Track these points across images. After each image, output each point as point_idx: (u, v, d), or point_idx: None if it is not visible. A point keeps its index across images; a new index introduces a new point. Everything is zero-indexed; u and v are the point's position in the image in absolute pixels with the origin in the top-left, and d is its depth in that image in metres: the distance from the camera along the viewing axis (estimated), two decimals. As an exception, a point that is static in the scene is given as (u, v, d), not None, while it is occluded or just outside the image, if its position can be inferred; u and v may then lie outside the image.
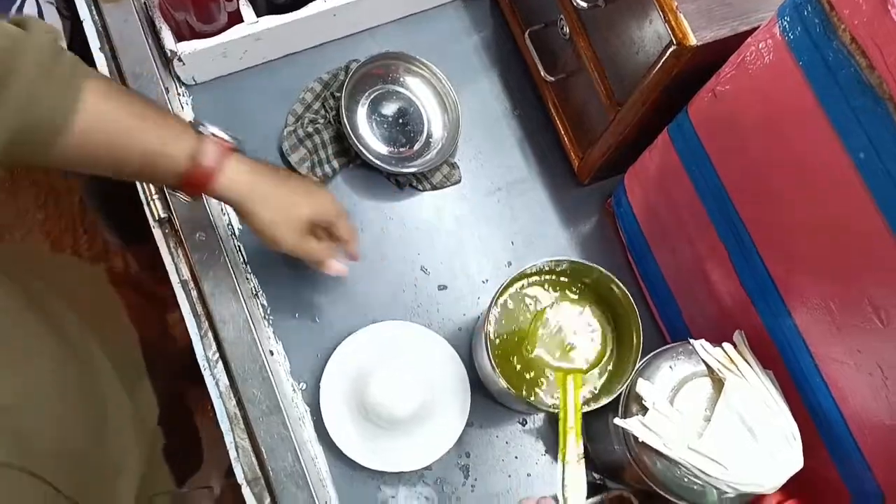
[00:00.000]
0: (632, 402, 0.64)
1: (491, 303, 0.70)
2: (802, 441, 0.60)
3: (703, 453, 0.58)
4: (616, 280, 0.68)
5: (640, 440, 0.61)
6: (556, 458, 0.80)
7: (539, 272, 0.73)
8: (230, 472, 1.20)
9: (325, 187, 0.72)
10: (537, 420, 0.81)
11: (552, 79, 0.79)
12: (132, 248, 1.40)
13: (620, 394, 0.66)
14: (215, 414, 0.74)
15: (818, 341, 0.56)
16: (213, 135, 0.64)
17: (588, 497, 0.74)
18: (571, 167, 0.86)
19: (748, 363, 0.62)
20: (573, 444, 0.69)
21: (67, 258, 1.50)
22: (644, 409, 0.62)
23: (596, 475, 0.80)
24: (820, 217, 0.50)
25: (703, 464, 0.58)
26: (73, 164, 0.58)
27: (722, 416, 0.59)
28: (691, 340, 0.65)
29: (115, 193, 1.17)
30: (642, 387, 0.62)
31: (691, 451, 0.59)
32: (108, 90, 0.57)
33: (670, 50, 0.57)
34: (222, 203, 0.81)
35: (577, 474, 0.69)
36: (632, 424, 0.61)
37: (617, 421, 0.62)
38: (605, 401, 0.66)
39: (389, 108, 0.86)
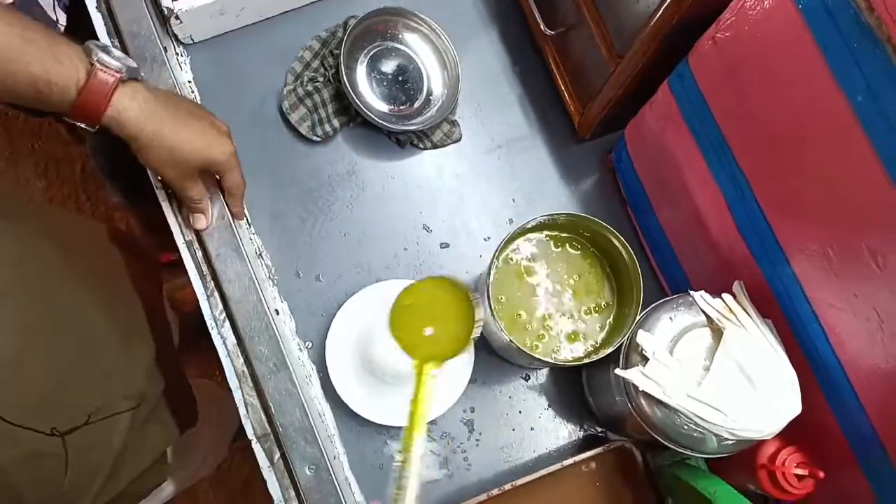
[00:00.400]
0: (632, 353, 0.65)
1: (493, 258, 0.70)
2: (800, 388, 0.61)
3: (702, 401, 0.59)
4: (614, 231, 0.68)
5: (641, 389, 0.62)
6: (558, 413, 0.82)
7: (539, 227, 0.73)
8: (237, 436, 1.23)
9: (229, 133, 0.71)
10: (540, 375, 0.82)
11: (552, 32, 0.78)
12: (136, 209, 1.41)
13: (622, 345, 0.66)
14: (217, 377, 0.75)
15: (816, 288, 0.57)
16: (102, 62, 0.60)
17: (591, 448, 0.76)
18: (572, 123, 0.86)
19: (747, 313, 0.63)
20: (423, 438, 0.59)
21: (71, 214, 1.50)
22: (644, 360, 0.63)
23: (598, 428, 0.82)
24: (818, 163, 0.50)
25: (703, 411, 0.59)
26: None
27: (721, 365, 0.60)
28: (691, 292, 0.65)
29: (122, 150, 1.17)
30: (642, 337, 0.63)
31: (691, 399, 0.60)
32: None
33: (670, -3, 0.56)
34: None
35: (415, 475, 0.57)
36: (632, 374, 0.62)
37: (618, 371, 0.63)
38: (605, 353, 0.67)
39: (389, 66, 0.85)
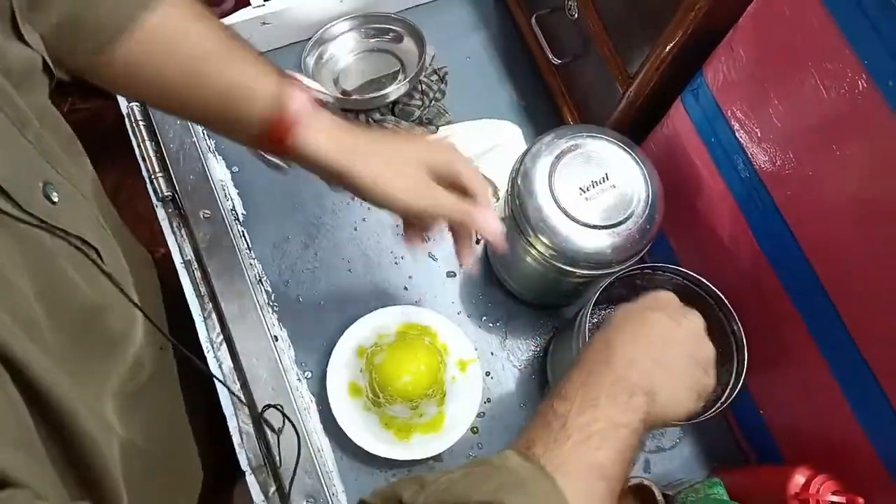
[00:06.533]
0: None
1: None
2: (828, 409, 0.58)
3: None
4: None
5: None
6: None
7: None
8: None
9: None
10: (550, 410, 0.79)
11: (559, 62, 0.79)
12: None
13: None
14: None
15: (845, 299, 0.55)
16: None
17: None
18: (579, 155, 0.85)
19: None
20: None
21: None
22: None
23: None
24: (850, 158, 0.49)
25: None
26: (132, 78, 0.50)
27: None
28: None
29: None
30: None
31: None
32: (192, 5, 0.51)
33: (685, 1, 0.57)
34: (227, 187, 0.80)
35: None
36: None
37: None
38: None
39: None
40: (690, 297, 0.65)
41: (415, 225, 0.59)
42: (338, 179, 0.54)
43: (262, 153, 0.59)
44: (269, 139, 0.53)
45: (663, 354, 0.48)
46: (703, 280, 0.64)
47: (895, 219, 0.48)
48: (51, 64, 0.43)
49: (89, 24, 0.48)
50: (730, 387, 0.63)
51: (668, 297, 0.53)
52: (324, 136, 0.52)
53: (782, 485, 0.63)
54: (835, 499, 0.59)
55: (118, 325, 0.46)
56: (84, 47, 0.49)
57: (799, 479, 0.62)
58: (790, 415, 0.68)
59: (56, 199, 0.38)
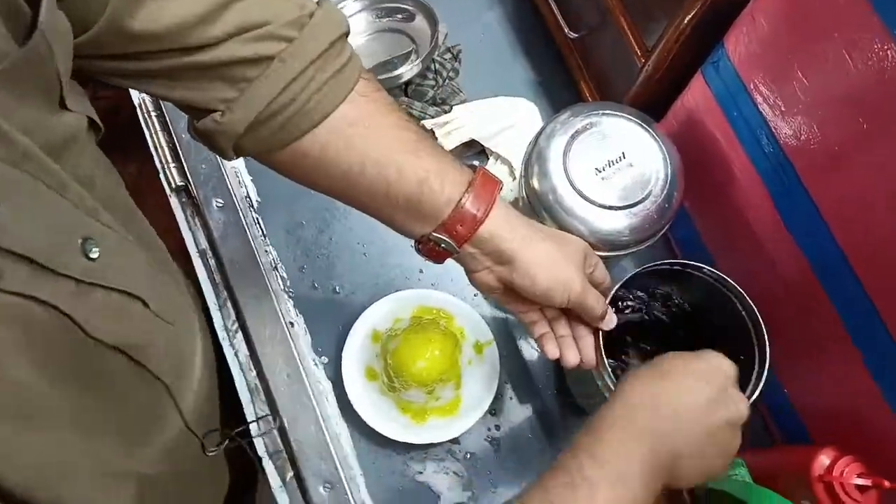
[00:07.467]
0: None
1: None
2: (855, 389, 0.56)
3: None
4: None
5: None
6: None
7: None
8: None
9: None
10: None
11: (575, 35, 0.77)
12: None
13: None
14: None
15: (871, 274, 0.53)
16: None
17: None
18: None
19: None
20: None
21: None
22: None
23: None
24: (877, 131, 0.47)
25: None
26: (313, 167, 0.51)
27: None
28: None
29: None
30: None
31: None
32: (378, 90, 0.50)
33: (704, -29, 0.54)
34: (240, 174, 0.80)
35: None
36: None
37: None
38: None
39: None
40: (712, 294, 0.63)
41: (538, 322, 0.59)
42: (496, 260, 0.54)
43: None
44: (454, 232, 0.52)
45: (699, 442, 0.48)
46: (724, 276, 0.61)
47: (926, 195, 0.45)
48: (99, 122, 0.41)
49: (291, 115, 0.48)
50: (748, 391, 0.61)
51: (726, 371, 0.51)
52: (500, 228, 0.52)
53: (806, 466, 0.61)
54: (860, 481, 0.58)
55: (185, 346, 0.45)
56: (280, 138, 0.49)
57: (824, 460, 0.60)
58: (819, 398, 0.66)
59: (95, 255, 0.36)
